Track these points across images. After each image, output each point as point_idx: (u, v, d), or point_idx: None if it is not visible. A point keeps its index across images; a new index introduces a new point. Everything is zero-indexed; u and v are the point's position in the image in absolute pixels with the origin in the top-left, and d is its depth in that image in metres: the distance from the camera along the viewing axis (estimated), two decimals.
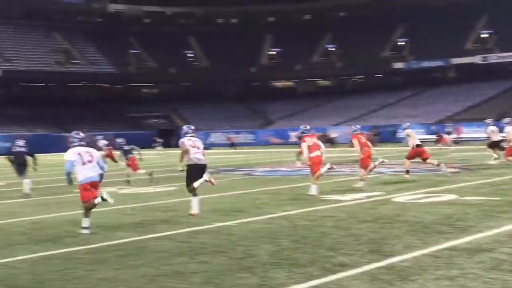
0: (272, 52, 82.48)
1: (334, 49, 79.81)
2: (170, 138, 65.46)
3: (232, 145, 59.20)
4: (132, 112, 73.96)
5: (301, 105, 74.50)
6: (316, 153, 14.47)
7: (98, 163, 10.45)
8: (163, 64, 78.42)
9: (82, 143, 10.59)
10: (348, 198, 13.49)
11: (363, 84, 78.44)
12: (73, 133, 10.75)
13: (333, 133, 54.63)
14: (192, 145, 12.00)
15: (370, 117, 65.56)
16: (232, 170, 25.06)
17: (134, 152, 21.51)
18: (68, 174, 10.37)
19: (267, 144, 61.45)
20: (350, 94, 75.90)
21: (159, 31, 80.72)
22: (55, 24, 78.23)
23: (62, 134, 66.93)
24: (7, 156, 18.61)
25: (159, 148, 51.70)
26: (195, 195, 11.80)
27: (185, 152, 11.95)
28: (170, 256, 7.92)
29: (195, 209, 11.76)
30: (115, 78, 77.43)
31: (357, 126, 17.12)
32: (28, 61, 72.14)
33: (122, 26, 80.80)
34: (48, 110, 70.53)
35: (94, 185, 10.35)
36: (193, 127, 12.59)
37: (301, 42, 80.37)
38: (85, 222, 10.25)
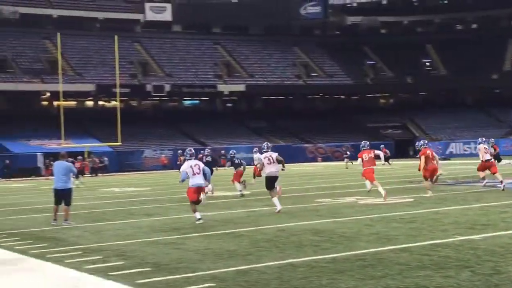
0: None
1: None
2: (408, 149, 64.51)
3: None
4: (369, 123, 74.15)
5: None
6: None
7: (204, 173, 14.53)
8: (400, 74, 77.57)
9: (193, 158, 14.68)
10: None
11: None
12: (187, 150, 14.94)
13: None
14: (268, 161, 16.41)
15: None
16: (473, 182, 23.97)
17: (242, 167, 23.24)
18: (182, 181, 14.50)
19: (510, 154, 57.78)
20: None
21: (396, 41, 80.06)
22: (294, 39, 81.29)
23: (301, 145, 69.40)
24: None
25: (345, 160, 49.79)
26: (273, 197, 16.21)
27: (262, 165, 16.47)
28: (411, 269, 7.84)
29: (278, 206, 15.90)
30: (351, 90, 78.28)
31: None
32: (270, 76, 75.84)
33: (358, 38, 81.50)
34: (287, 122, 73.47)
35: (200, 189, 14.52)
36: (270, 144, 17.35)
37: None
38: (197, 215, 14.28)
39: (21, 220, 16.58)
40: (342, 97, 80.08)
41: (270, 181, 16.24)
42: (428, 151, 18.79)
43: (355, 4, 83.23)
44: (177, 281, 7.75)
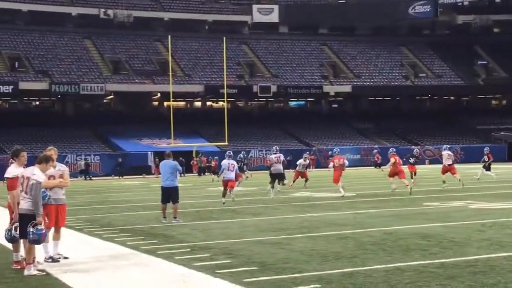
0: None
1: None
2: None
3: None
4: (480, 125, 71.63)
5: None
6: None
7: (235, 170, 20.73)
8: None
9: (230, 158, 20.86)
10: None
11: None
12: (227, 152, 21.69)
13: None
14: (276, 160, 23.32)
15: None
16: None
17: (244, 172, 26.63)
18: (220, 173, 21.17)
19: None
20: None
21: (510, 40, 76.86)
22: (402, 39, 79.77)
23: (408, 146, 67.95)
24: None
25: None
26: (273, 187, 22.85)
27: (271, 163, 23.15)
28: None
29: (272, 194, 22.21)
30: (462, 90, 75.91)
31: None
32: (376, 76, 74.80)
33: (470, 37, 78.89)
34: (394, 123, 72.18)
35: (230, 181, 20.44)
36: (278, 148, 24.93)
37: None
38: (223, 200, 20.32)
39: (133, 217, 17.21)
40: (452, 98, 77.80)
41: (276, 176, 23.37)
42: None
43: (466, 3, 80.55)
44: (283, 281, 7.80)
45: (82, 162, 54.91)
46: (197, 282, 7.98)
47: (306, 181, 29.20)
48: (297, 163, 29.39)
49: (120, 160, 55.12)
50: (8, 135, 57.23)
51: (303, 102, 78.35)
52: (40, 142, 54.86)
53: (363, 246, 10.53)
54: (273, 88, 68.68)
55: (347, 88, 71.88)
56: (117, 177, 53.09)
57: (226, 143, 54.77)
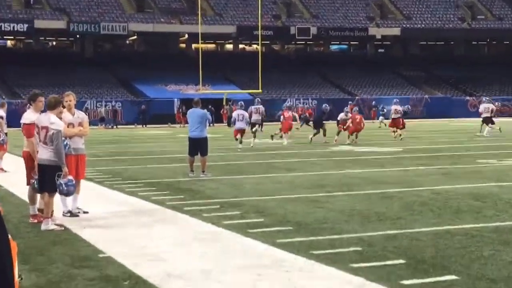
0: None
1: None
2: None
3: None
4: None
5: None
6: None
7: (245, 119, 23.80)
8: None
9: (242, 108, 24.33)
10: None
11: None
12: (240, 102, 25.67)
13: None
14: (255, 111, 27.66)
15: None
16: None
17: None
18: (232, 123, 24.52)
19: None
20: None
21: None
22: None
23: (462, 97, 67.16)
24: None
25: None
26: (254, 137, 26.46)
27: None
28: None
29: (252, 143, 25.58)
30: None
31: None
32: (429, 18, 73.52)
33: None
34: (447, 71, 71.24)
35: (241, 131, 23.83)
36: (259, 100, 29.77)
37: None
38: (239, 145, 24.05)
39: (158, 170, 17.41)
40: None
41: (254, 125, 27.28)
42: None
43: None
44: (320, 243, 7.87)
45: (102, 109, 55.53)
46: (227, 242, 8.09)
47: (356, 136, 28.36)
48: (338, 118, 29.09)
49: (143, 107, 55.61)
50: (23, 78, 57.92)
51: (345, 46, 77.69)
52: (56, 86, 55.51)
53: (409, 206, 10.53)
54: (313, 30, 68.09)
55: (395, 31, 70.94)
56: (140, 126, 53.61)
57: (260, 90, 54.75)
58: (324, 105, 30.34)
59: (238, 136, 24.02)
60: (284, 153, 22.80)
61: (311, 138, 27.68)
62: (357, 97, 63.05)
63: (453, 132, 35.33)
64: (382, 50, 77.37)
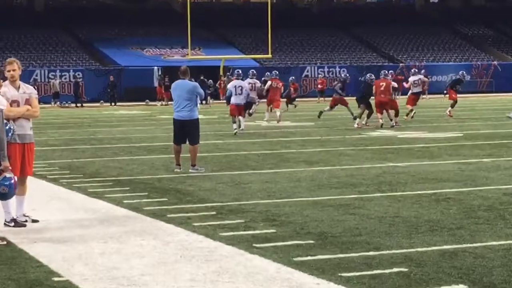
0: None
1: None
2: None
3: None
4: None
5: None
6: None
7: (245, 93, 25.08)
8: None
9: (240, 78, 26.18)
10: None
11: None
12: (236, 71, 27.90)
13: None
14: (250, 88, 27.45)
15: None
16: None
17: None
18: (227, 98, 26.17)
19: None
20: None
21: None
22: None
23: None
24: None
25: None
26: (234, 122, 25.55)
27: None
28: None
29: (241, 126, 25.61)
30: None
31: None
32: None
33: None
34: None
35: (239, 107, 24.89)
36: (254, 71, 30.37)
37: None
38: (234, 126, 24.94)
39: (132, 163, 17.40)
40: None
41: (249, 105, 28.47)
42: None
43: None
44: (352, 262, 7.85)
45: (57, 82, 55.54)
46: (225, 262, 8.07)
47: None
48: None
49: (112, 79, 55.57)
50: None
51: None
52: None
53: (472, 212, 10.50)
54: None
55: None
56: (108, 104, 53.66)
57: (270, 55, 54.74)
58: (344, 74, 32.11)
59: (238, 116, 24.99)
60: (301, 140, 22.77)
61: (366, 122, 27.79)
62: (401, 64, 62.99)
63: None
64: (436, 0, 77.17)
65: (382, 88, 27.06)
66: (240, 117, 25.25)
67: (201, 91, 16.25)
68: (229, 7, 71.68)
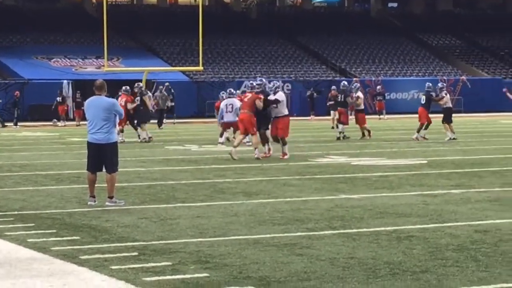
0: None
1: None
2: None
3: None
4: None
5: None
6: None
7: (235, 110, 28.62)
8: None
9: (231, 95, 31.17)
10: None
11: None
12: (228, 91, 32.26)
13: None
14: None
15: None
16: None
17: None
18: (219, 118, 31.38)
19: None
20: None
21: None
22: None
23: None
24: None
25: None
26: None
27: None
28: None
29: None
30: None
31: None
32: None
33: None
34: (496, 39, 72.13)
35: (230, 124, 30.10)
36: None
37: None
38: (220, 141, 31.42)
39: (37, 195, 17.22)
40: None
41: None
42: None
43: None
44: None
45: None
46: None
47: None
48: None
49: (17, 94, 54.58)
50: None
51: None
52: None
53: (439, 253, 10.58)
54: None
55: None
56: (11, 123, 53.11)
57: (201, 67, 54.68)
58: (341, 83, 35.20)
59: (228, 132, 30.76)
60: (239, 167, 22.78)
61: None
62: (354, 79, 63.43)
63: (505, 134, 35.71)
64: (395, 5, 78.08)
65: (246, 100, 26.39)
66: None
67: (121, 109, 16.16)
68: (153, 10, 71.66)
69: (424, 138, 32.02)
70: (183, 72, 59.20)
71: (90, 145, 15.64)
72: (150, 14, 69.86)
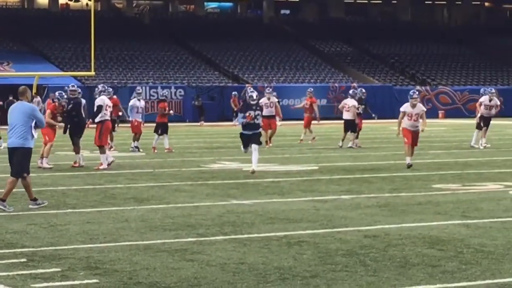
0: None
1: None
2: None
3: None
4: None
5: None
6: None
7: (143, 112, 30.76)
8: None
9: (140, 96, 31.44)
10: None
11: None
12: (137, 88, 33.21)
13: None
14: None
15: None
16: None
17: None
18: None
19: None
20: None
21: None
22: None
23: (410, 86, 68.98)
24: None
25: None
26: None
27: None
28: None
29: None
30: None
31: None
32: None
33: None
34: (387, 47, 72.99)
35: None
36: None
37: None
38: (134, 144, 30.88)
39: None
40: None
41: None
42: None
43: None
44: None
45: None
46: None
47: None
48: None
49: None
50: None
51: (229, 4, 78.26)
52: None
53: (329, 258, 10.66)
54: None
55: None
56: None
57: (92, 72, 54.33)
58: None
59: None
60: (130, 173, 22.67)
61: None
62: (247, 85, 63.58)
63: (393, 141, 36.14)
64: (287, 12, 78.49)
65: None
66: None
67: (40, 115, 16.08)
68: (44, 15, 70.88)
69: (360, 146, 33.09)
70: (75, 77, 58.61)
71: (8, 149, 15.68)
72: (41, 18, 69.07)
